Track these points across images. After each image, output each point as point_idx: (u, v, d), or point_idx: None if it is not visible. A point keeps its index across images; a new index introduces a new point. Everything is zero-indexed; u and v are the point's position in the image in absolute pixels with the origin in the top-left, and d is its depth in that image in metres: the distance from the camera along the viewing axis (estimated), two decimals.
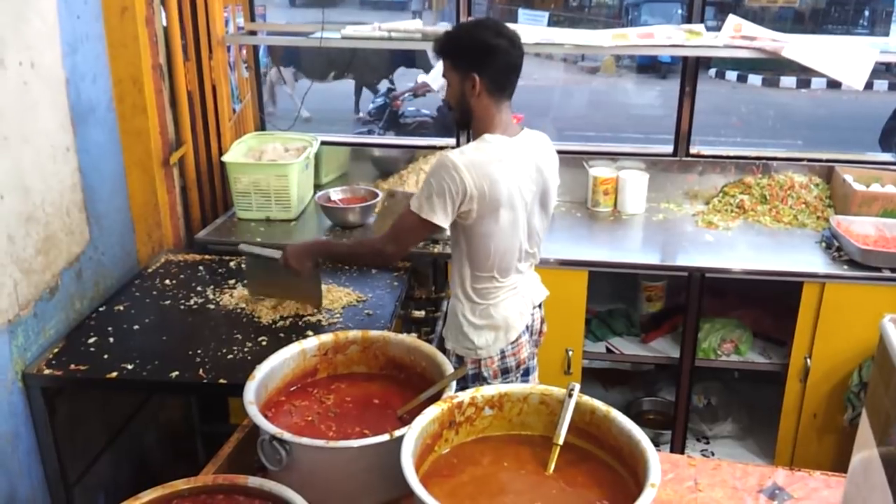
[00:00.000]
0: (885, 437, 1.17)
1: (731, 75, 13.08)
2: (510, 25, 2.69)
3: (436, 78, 7.82)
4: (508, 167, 2.24)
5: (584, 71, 13.62)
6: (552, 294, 2.67)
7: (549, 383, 1.62)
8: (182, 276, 2.93)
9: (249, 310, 2.64)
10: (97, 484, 2.67)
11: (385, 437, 1.48)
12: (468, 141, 2.39)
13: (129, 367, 2.31)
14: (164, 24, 3.10)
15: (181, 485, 1.45)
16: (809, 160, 3.68)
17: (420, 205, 2.22)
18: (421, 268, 3.12)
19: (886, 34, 7.00)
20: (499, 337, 2.39)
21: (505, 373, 2.43)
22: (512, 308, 2.39)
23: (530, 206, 2.33)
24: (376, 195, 3.44)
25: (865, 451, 1.24)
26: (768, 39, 3.33)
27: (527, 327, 2.46)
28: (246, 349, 2.40)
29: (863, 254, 2.99)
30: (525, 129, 2.37)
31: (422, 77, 8.02)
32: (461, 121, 2.38)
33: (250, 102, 3.89)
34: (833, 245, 3.16)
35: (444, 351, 2.53)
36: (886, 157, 3.94)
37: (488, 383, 2.40)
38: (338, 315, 2.61)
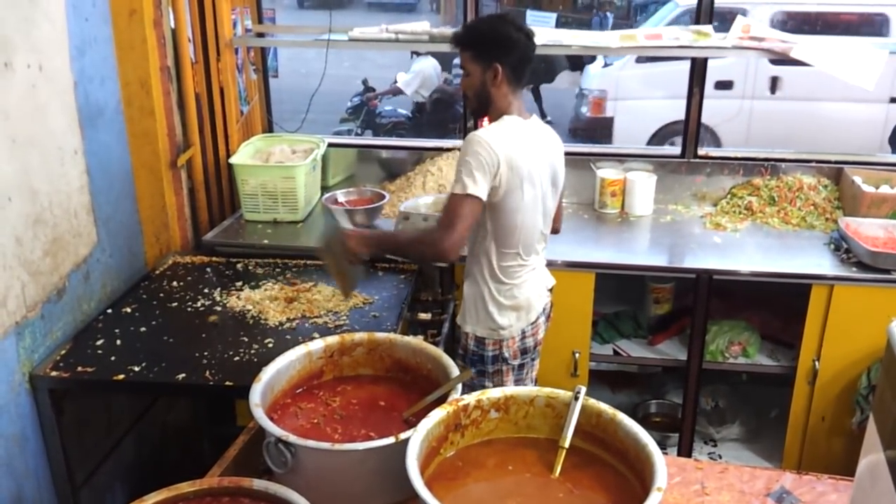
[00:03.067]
0: (893, 442, 1.16)
1: None
2: None
3: (409, 83, 7.89)
4: (527, 144, 2.39)
5: None
6: (559, 296, 2.68)
7: (556, 386, 1.62)
8: (189, 278, 2.93)
9: (256, 312, 2.65)
10: (104, 485, 2.67)
11: (390, 440, 1.48)
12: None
13: (136, 369, 2.32)
14: (172, 26, 3.11)
15: (186, 487, 1.45)
16: (818, 162, 3.66)
17: (465, 185, 2.29)
18: (427, 270, 3.12)
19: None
20: (520, 317, 2.50)
21: (524, 353, 2.55)
22: (532, 289, 2.51)
23: (545, 185, 2.46)
24: (383, 197, 3.44)
25: (872, 456, 1.23)
26: (777, 40, 3.32)
27: (543, 309, 2.57)
28: (252, 351, 2.40)
29: (872, 256, 2.97)
30: (534, 116, 2.50)
31: (401, 77, 8.03)
32: (478, 109, 2.51)
33: (258, 104, 3.90)
34: (842, 247, 3.14)
35: (457, 340, 2.55)
36: (895, 158, 3.92)
37: (509, 364, 2.53)
38: (344, 317, 2.62)
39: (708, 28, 3.41)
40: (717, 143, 7.09)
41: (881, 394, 1.24)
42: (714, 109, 7.01)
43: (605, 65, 7.72)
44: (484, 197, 2.30)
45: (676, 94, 7.11)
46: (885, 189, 3.38)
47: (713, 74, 6.90)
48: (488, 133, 2.34)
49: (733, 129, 7.04)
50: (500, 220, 2.39)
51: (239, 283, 2.87)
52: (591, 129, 7.68)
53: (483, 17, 2.55)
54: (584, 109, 7.72)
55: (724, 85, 6.77)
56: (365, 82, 8.39)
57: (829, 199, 3.52)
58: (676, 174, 3.71)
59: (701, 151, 3.70)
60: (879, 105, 6.84)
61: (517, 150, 2.33)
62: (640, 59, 7.20)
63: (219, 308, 2.68)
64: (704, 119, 7.43)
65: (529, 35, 2.42)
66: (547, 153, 2.47)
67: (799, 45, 3.25)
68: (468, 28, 2.53)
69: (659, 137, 7.24)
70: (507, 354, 2.52)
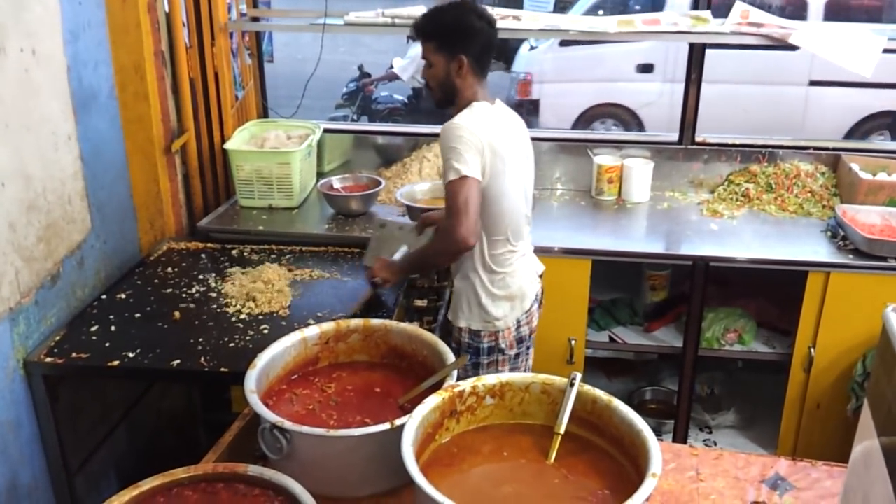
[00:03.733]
0: (887, 428, 1.16)
1: None
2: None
3: (405, 68, 7.81)
4: (501, 128, 2.39)
5: None
6: (555, 283, 2.67)
7: (552, 373, 1.61)
8: (184, 264, 2.92)
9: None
10: (99, 472, 2.67)
11: (386, 426, 1.48)
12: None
13: (131, 355, 2.31)
14: (167, 10, 3.09)
15: (181, 473, 1.45)
16: (815, 149, 3.65)
17: (458, 170, 2.26)
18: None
19: (894, 21, 6.98)
20: (515, 307, 2.48)
21: (520, 342, 2.53)
22: (524, 277, 2.50)
23: (522, 166, 2.45)
24: (379, 183, 3.43)
25: (867, 442, 1.23)
26: (776, 26, 3.30)
27: (535, 296, 2.56)
28: (247, 337, 2.40)
29: (868, 243, 2.97)
30: (499, 101, 2.50)
31: (397, 62, 7.97)
32: (444, 100, 2.46)
33: (253, 89, 3.88)
34: (838, 234, 3.14)
35: (449, 334, 2.54)
36: (893, 145, 3.92)
37: (505, 354, 2.51)
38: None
39: (706, 14, 3.40)
40: (640, 126, 7.11)
41: (876, 380, 1.24)
42: (637, 93, 7.13)
43: (532, 48, 7.68)
44: (479, 177, 2.28)
45: (601, 77, 7.26)
46: (882, 176, 3.38)
47: (635, 58, 6.99)
48: (465, 119, 2.32)
49: (655, 112, 6.96)
50: (488, 208, 2.36)
51: (234, 269, 2.86)
52: (518, 111, 7.66)
53: (443, 6, 2.46)
54: (512, 92, 7.73)
55: (645, 68, 6.68)
56: (361, 68, 8.35)
57: (827, 187, 3.52)
58: (674, 161, 3.70)
59: (698, 138, 3.69)
60: (799, 88, 6.84)
61: (494, 135, 2.33)
62: (563, 43, 7.14)
63: (214, 294, 2.67)
64: (626, 102, 7.20)
65: (492, 22, 2.39)
66: (517, 135, 2.48)
67: (798, 31, 3.24)
68: (429, 18, 2.44)
69: (584, 120, 7.25)
70: (503, 345, 2.50)
